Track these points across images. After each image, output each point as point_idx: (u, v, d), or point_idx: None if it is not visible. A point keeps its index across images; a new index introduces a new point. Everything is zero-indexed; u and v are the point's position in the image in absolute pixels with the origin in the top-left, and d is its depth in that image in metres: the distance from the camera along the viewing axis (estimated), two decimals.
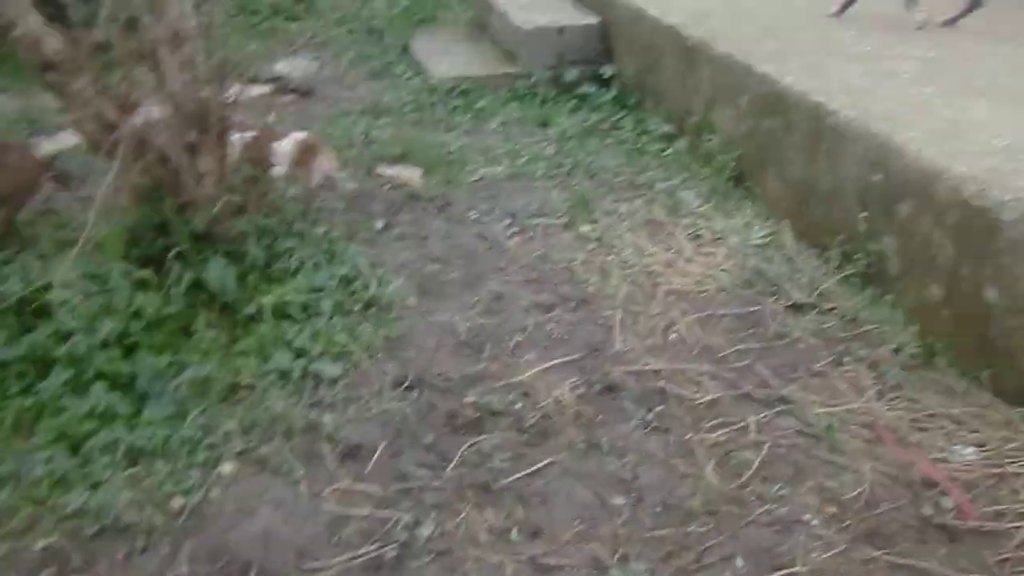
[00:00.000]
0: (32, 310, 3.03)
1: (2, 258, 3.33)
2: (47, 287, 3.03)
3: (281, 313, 3.26)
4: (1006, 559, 2.31)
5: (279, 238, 3.49)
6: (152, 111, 3.22)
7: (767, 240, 3.85)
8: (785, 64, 4.18)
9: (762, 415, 2.85)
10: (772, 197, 4.06)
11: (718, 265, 3.72)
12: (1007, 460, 2.61)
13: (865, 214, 3.39)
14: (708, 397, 2.94)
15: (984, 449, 2.67)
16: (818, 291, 3.45)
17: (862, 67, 4.12)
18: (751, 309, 3.43)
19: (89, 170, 3.98)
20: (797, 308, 3.39)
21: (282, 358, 3.08)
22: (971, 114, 3.49)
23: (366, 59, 6.55)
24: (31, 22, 2.84)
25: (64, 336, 2.92)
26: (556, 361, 3.17)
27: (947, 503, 2.48)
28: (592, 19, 5.92)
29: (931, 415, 2.80)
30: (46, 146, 4.71)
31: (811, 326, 3.28)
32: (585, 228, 4.06)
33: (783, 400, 2.91)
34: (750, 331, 3.30)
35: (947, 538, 2.38)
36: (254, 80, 5.63)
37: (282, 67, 6.28)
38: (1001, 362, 2.79)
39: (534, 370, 3.11)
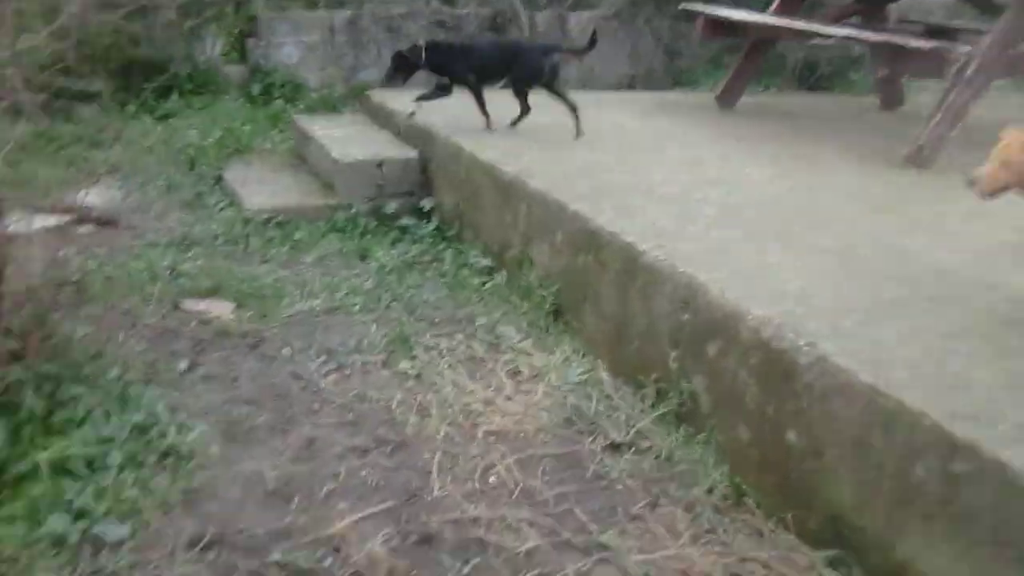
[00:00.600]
0: None
1: None
2: None
3: (61, 469, 2.92)
4: None
5: (63, 384, 3.16)
6: None
7: (585, 376, 3.87)
8: (597, 204, 4.34)
9: (581, 563, 2.77)
10: (589, 333, 4.13)
11: (537, 403, 3.70)
12: None
13: (676, 352, 3.49)
14: (527, 546, 2.84)
15: None
16: (635, 429, 3.47)
17: (670, 208, 4.33)
18: (569, 449, 3.40)
19: None
20: (615, 447, 3.40)
21: (58, 521, 2.73)
22: (766, 258, 3.71)
23: (176, 188, 6.29)
24: None
25: None
26: (370, 510, 2.99)
27: None
28: (411, 153, 5.99)
29: (743, 560, 2.82)
30: None
31: (628, 466, 3.28)
32: (404, 365, 3.96)
33: (602, 547, 2.85)
34: (568, 472, 3.26)
35: None
36: (53, 209, 5.26)
37: (82, 196, 5.91)
38: (802, 504, 2.87)
39: (346, 521, 2.92)
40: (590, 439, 3.45)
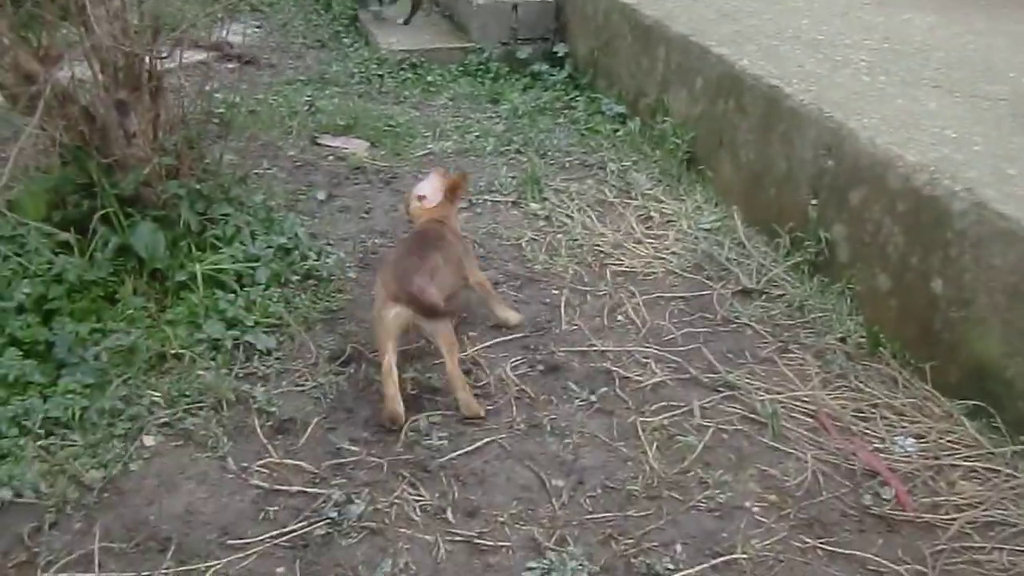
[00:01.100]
0: None
1: None
2: None
3: (214, 282, 3.11)
4: (941, 550, 2.29)
5: (214, 204, 3.32)
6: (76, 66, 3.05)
7: (718, 224, 3.80)
8: (741, 48, 4.13)
9: (707, 399, 2.80)
10: (724, 181, 4.02)
11: (667, 248, 3.66)
12: (945, 453, 2.60)
13: (816, 200, 3.36)
14: (653, 380, 2.88)
15: (923, 441, 2.65)
16: (767, 277, 3.41)
17: (818, 54, 4.09)
18: (699, 293, 3.38)
19: (8, 126, 3.76)
20: (745, 294, 3.35)
21: (214, 328, 2.94)
22: (923, 105, 3.47)
23: (313, 28, 6.36)
24: None
25: None
26: (500, 339, 3.08)
27: (886, 493, 2.45)
28: None
29: (873, 405, 2.78)
30: None
31: (758, 313, 3.24)
32: (534, 206, 3.98)
33: (728, 385, 2.86)
34: (697, 315, 3.25)
35: (885, 528, 2.36)
36: (194, 44, 5.40)
37: (224, 33, 6.04)
38: (943, 354, 2.78)
39: (477, 347, 3.02)
40: (720, 284, 3.41)
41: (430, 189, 3.18)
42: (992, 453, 2.57)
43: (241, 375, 2.83)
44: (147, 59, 3.15)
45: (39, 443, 2.44)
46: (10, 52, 2.82)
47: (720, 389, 2.85)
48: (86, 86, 3.11)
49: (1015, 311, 2.53)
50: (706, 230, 3.76)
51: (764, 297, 3.32)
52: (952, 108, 3.45)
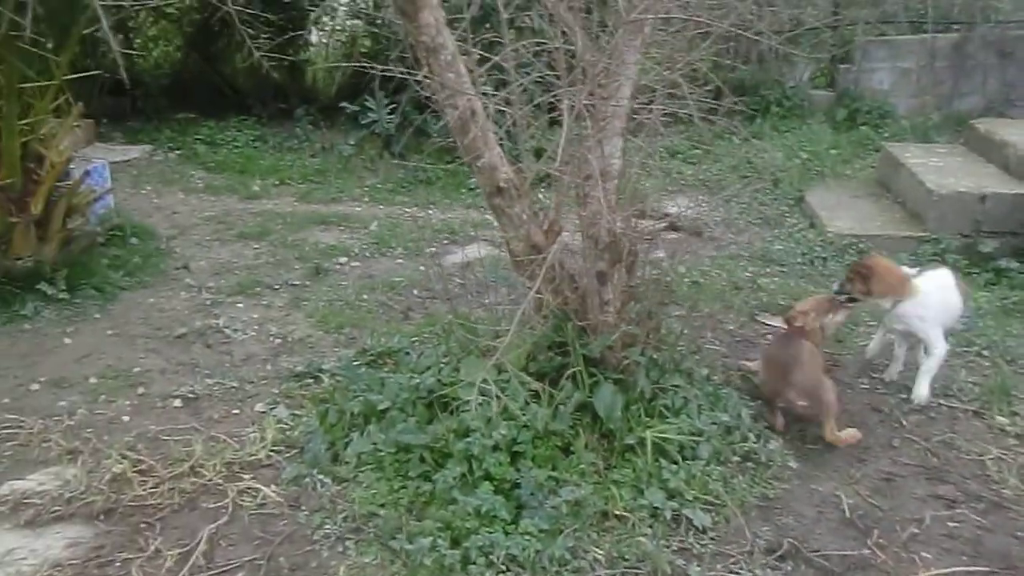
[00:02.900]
0: (439, 402, 3.30)
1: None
2: (454, 382, 3.28)
3: (659, 450, 3.23)
4: None
5: (666, 374, 3.49)
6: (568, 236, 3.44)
7: None
8: None
9: None
10: None
11: None
12: None
13: None
14: None
15: None
16: None
17: None
18: None
19: (496, 278, 4.32)
20: None
21: (655, 496, 3.03)
22: None
23: (758, 206, 6.54)
24: (493, 154, 3.18)
25: (463, 433, 3.13)
26: (957, 568, 2.78)
27: None
28: (1022, 188, 5.40)
29: None
30: (460, 254, 5.24)
31: None
32: (1002, 419, 3.60)
33: None
34: None
35: None
36: (650, 216, 5.83)
37: (672, 206, 6.47)
38: None
39: (931, 572, 2.75)
40: None
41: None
42: None
43: (676, 548, 2.86)
44: (627, 236, 3.46)
45: (499, 574, 2.67)
46: (526, 225, 3.27)
47: None
48: (575, 256, 3.48)
49: None
50: None
51: None
52: None
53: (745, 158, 7.43)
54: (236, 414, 3.72)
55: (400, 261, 5.67)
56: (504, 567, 2.70)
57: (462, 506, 2.87)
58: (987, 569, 2.78)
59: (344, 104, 7.81)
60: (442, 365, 3.53)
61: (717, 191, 6.94)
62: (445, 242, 6.01)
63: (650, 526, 2.93)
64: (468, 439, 3.07)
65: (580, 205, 3.41)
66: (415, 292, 5.09)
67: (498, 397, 3.15)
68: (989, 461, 3.33)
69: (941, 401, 3.78)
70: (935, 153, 6.49)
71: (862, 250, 5.49)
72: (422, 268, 5.35)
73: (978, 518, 3.02)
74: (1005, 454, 3.37)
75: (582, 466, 3.13)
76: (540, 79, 3.36)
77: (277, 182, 7.49)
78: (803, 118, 8.22)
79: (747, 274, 5.30)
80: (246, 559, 2.83)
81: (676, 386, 3.47)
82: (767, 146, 7.67)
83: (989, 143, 6.18)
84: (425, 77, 3.09)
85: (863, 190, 6.63)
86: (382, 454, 3.17)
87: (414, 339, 4.21)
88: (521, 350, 3.43)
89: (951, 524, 2.99)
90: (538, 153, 3.53)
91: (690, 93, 3.17)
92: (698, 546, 2.88)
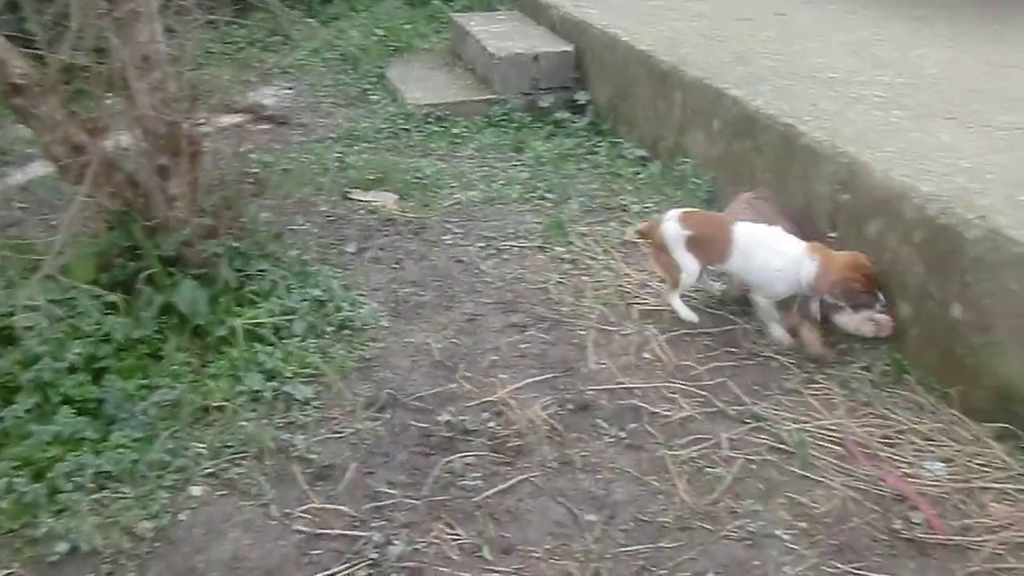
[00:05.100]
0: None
1: None
2: (12, 313, 3.00)
3: (253, 335, 3.24)
4: (974, 572, 2.31)
5: (251, 260, 3.47)
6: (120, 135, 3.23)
7: None
8: (756, 89, 4.24)
9: (735, 431, 2.86)
10: None
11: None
12: (974, 475, 2.63)
13: (835, 234, 3.43)
14: (681, 414, 2.95)
15: (952, 464, 2.68)
16: None
17: (832, 92, 4.18)
18: (724, 328, 3.45)
19: (59, 196, 3.96)
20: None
21: (254, 380, 3.06)
22: (937, 137, 3.54)
23: (342, 87, 6.58)
24: None
25: (31, 361, 2.88)
26: (529, 380, 3.17)
27: (916, 517, 2.48)
28: (566, 46, 5.98)
29: (900, 431, 2.82)
30: (16, 176, 4.70)
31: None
32: (560, 250, 4.08)
33: (755, 416, 2.92)
34: (722, 350, 3.32)
35: (916, 552, 2.39)
36: (228, 108, 5.63)
37: (257, 96, 6.29)
38: (967, 379, 2.82)
39: (508, 389, 3.11)
40: (744, 319, 3.48)
41: None
42: (1022, 474, 2.60)
43: (281, 424, 2.94)
44: (186, 126, 3.32)
45: (93, 497, 2.55)
46: (61, 126, 3.00)
47: (747, 421, 2.91)
48: (129, 154, 3.28)
49: None
50: None
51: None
52: (966, 139, 3.52)
53: (326, 41, 7.37)
54: None
55: None
56: (97, 486, 2.59)
57: (39, 436, 2.67)
58: (552, 375, 3.19)
59: None
60: None
61: (301, 76, 6.85)
62: None
63: (253, 410, 2.97)
64: (37, 367, 2.85)
65: (128, 99, 3.20)
66: None
67: (69, 316, 2.95)
68: (551, 287, 3.78)
69: (512, 243, 4.20)
70: (495, 20, 6.92)
71: (440, 117, 5.79)
72: None
73: (543, 335, 3.44)
74: (563, 279, 3.84)
75: (174, 367, 3.06)
76: None
77: None
78: None
79: (336, 154, 5.35)
80: None
81: (262, 271, 3.48)
82: (345, 26, 7.66)
83: (538, 6, 6.73)
84: None
85: (438, 61, 6.92)
86: None
87: None
88: (88, 262, 3.21)
89: (522, 346, 3.37)
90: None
91: None
92: (302, 417, 2.97)
